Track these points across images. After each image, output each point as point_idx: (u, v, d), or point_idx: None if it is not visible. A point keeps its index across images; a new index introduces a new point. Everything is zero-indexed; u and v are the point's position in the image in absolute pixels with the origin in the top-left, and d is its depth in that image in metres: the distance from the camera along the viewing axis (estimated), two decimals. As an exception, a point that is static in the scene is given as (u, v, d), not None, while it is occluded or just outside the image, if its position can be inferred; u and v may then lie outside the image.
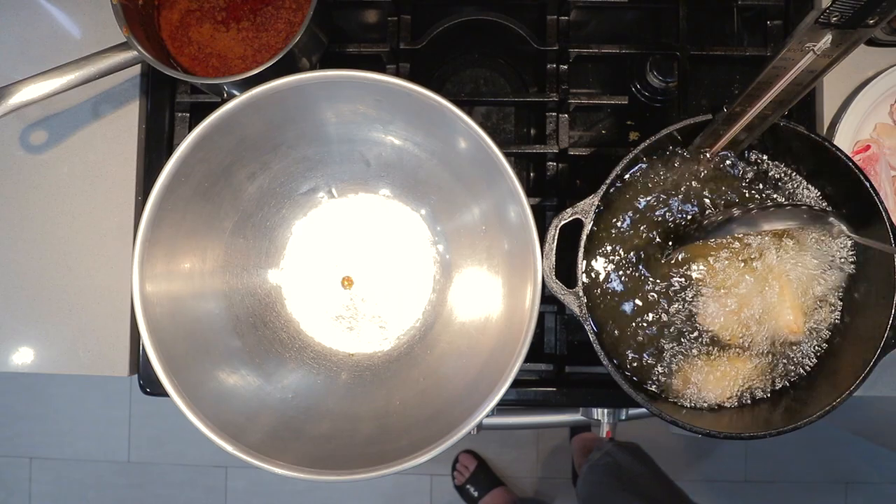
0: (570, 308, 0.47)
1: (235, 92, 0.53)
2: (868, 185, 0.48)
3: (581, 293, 0.47)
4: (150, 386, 0.61)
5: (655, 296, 0.52)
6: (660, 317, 0.52)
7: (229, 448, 0.45)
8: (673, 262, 0.52)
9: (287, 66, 0.51)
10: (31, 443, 1.55)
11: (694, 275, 0.52)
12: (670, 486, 0.91)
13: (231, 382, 0.51)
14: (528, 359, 0.46)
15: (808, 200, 0.53)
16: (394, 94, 0.47)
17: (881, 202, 0.48)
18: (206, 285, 0.53)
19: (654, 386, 0.51)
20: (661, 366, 0.51)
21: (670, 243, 0.51)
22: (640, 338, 0.52)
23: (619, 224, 0.53)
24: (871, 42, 0.63)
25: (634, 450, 1.00)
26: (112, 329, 0.63)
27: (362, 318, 0.59)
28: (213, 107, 0.46)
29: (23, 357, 0.63)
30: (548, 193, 0.62)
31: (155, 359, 0.46)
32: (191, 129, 0.48)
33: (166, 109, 0.64)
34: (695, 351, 0.52)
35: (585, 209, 0.48)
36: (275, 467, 0.45)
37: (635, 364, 0.52)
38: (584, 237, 0.48)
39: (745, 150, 0.53)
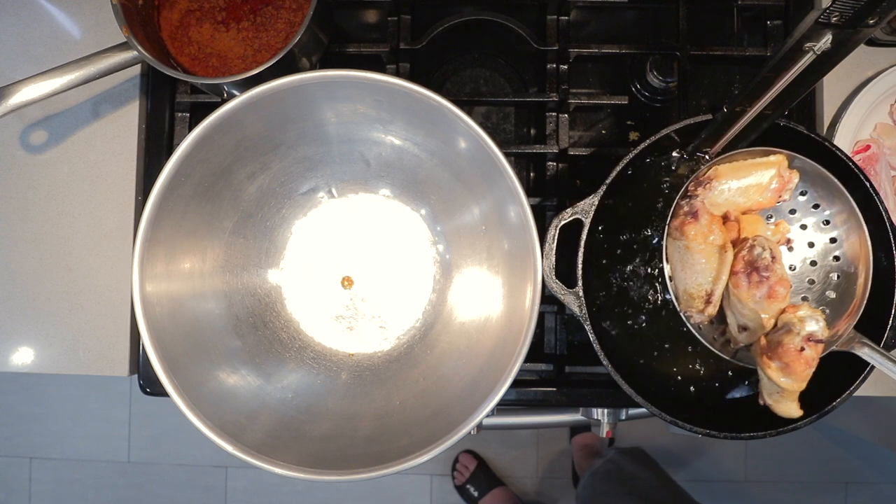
0: (570, 308, 0.47)
1: (235, 92, 0.53)
2: (868, 185, 0.48)
3: (581, 293, 0.47)
4: (150, 386, 0.61)
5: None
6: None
7: (229, 448, 0.45)
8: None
9: (287, 66, 0.51)
10: (31, 443, 1.55)
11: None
12: (674, 489, 0.91)
13: (231, 382, 0.51)
14: (528, 359, 0.46)
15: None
16: (394, 94, 0.47)
17: (881, 202, 0.48)
18: (206, 285, 0.53)
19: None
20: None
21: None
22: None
23: (619, 222, 0.53)
24: (871, 42, 0.63)
25: (639, 455, 1.00)
26: (112, 329, 0.63)
27: (362, 318, 0.59)
28: (213, 107, 0.46)
29: (23, 357, 0.63)
30: (548, 193, 0.62)
31: (155, 359, 0.46)
32: (191, 129, 0.48)
33: (166, 109, 0.64)
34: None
35: (585, 209, 0.48)
36: (275, 467, 0.45)
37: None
38: (584, 237, 0.48)
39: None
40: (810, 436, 1.50)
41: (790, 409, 0.39)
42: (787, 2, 0.63)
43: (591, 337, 0.47)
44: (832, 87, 0.64)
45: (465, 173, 0.53)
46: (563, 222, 0.48)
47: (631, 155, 0.48)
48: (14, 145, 0.64)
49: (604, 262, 0.53)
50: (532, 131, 0.67)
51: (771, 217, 0.46)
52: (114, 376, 0.63)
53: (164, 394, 0.48)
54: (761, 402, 0.41)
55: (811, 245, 0.45)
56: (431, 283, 0.59)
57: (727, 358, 0.43)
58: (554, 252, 0.47)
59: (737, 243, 0.40)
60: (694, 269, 0.40)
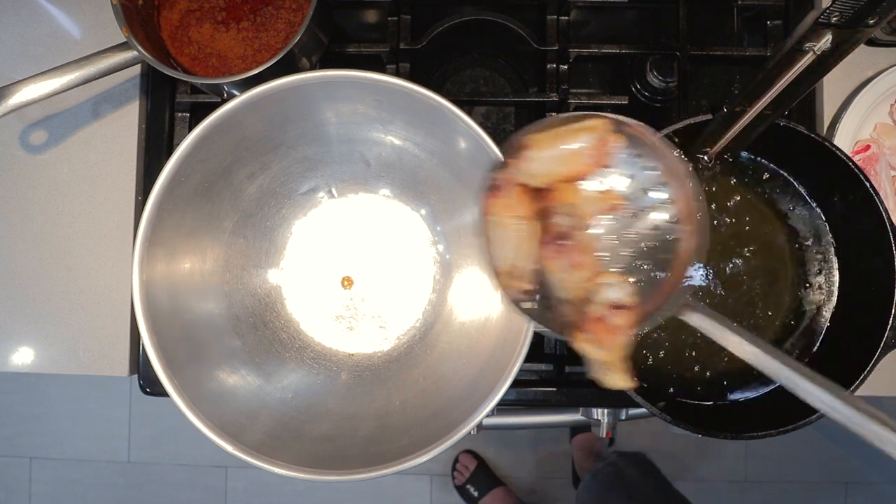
0: (570, 308, 0.47)
1: (235, 92, 0.53)
2: (868, 185, 0.48)
3: (581, 293, 0.47)
4: (150, 386, 0.61)
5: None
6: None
7: (229, 448, 0.45)
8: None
9: (287, 66, 0.51)
10: (31, 443, 1.55)
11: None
12: (675, 496, 0.91)
13: (231, 382, 0.51)
14: (528, 359, 0.46)
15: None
16: (394, 94, 0.47)
17: (881, 202, 0.48)
18: (206, 285, 0.53)
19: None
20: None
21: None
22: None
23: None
24: (871, 42, 0.63)
25: (640, 460, 1.00)
26: (112, 329, 0.63)
27: (362, 318, 0.59)
28: (213, 107, 0.46)
29: (23, 357, 0.63)
30: (548, 193, 0.62)
31: (155, 359, 0.46)
32: (191, 129, 0.48)
33: (166, 109, 0.64)
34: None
35: (585, 209, 0.48)
36: (275, 467, 0.45)
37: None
38: (583, 237, 0.48)
39: (744, 150, 0.53)
40: (810, 436, 1.50)
41: (616, 380, 0.38)
42: (787, 2, 0.63)
43: (591, 337, 0.47)
44: (832, 87, 0.64)
45: (465, 173, 0.53)
46: (562, 222, 0.48)
47: (631, 155, 0.48)
48: (14, 145, 0.64)
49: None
50: (532, 131, 0.67)
51: (603, 183, 0.40)
52: (114, 376, 0.63)
53: (164, 394, 0.48)
54: (589, 378, 0.40)
55: (645, 209, 0.40)
56: (431, 283, 0.59)
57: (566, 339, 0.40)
58: (554, 252, 0.47)
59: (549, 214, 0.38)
60: (504, 244, 0.38)
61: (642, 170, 0.39)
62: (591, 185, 0.39)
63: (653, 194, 0.39)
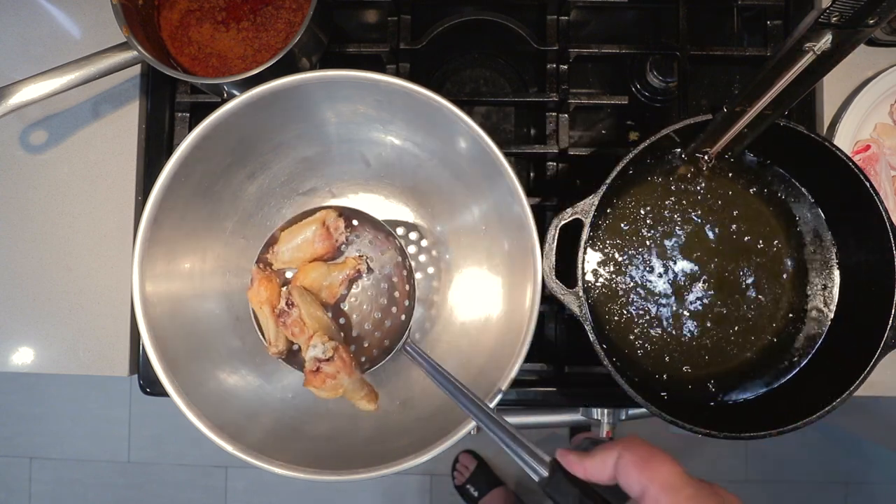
0: (569, 308, 0.47)
1: (235, 92, 0.53)
2: (868, 185, 0.48)
3: (581, 293, 0.47)
4: (150, 386, 0.61)
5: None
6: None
7: (229, 448, 0.45)
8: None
9: (287, 66, 0.51)
10: (31, 443, 1.55)
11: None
12: None
13: (231, 382, 0.51)
14: (528, 359, 0.46)
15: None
16: (394, 94, 0.47)
17: (881, 202, 0.48)
18: (206, 285, 0.53)
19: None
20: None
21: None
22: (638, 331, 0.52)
23: (619, 223, 0.53)
24: (871, 42, 0.63)
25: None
26: (112, 329, 0.63)
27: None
28: (213, 107, 0.46)
29: (23, 357, 0.63)
30: (548, 193, 0.62)
31: (155, 359, 0.46)
32: (191, 129, 0.48)
33: (166, 109, 0.64)
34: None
35: (585, 209, 0.48)
36: (275, 467, 0.45)
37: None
38: (584, 237, 0.48)
39: (744, 150, 0.53)
40: (810, 436, 1.50)
41: (361, 405, 0.50)
42: (787, 2, 0.63)
43: (592, 337, 0.47)
44: (832, 87, 0.64)
45: (465, 173, 0.53)
46: (563, 222, 0.48)
47: (631, 155, 0.48)
48: (14, 145, 0.64)
49: (604, 262, 0.53)
50: (532, 131, 0.67)
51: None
52: (114, 376, 0.63)
53: (164, 394, 0.48)
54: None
55: (365, 277, 0.54)
56: (431, 283, 0.59)
57: None
58: (554, 252, 0.47)
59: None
60: (262, 322, 0.51)
61: (365, 244, 0.53)
62: (327, 262, 0.52)
63: (371, 264, 0.54)
